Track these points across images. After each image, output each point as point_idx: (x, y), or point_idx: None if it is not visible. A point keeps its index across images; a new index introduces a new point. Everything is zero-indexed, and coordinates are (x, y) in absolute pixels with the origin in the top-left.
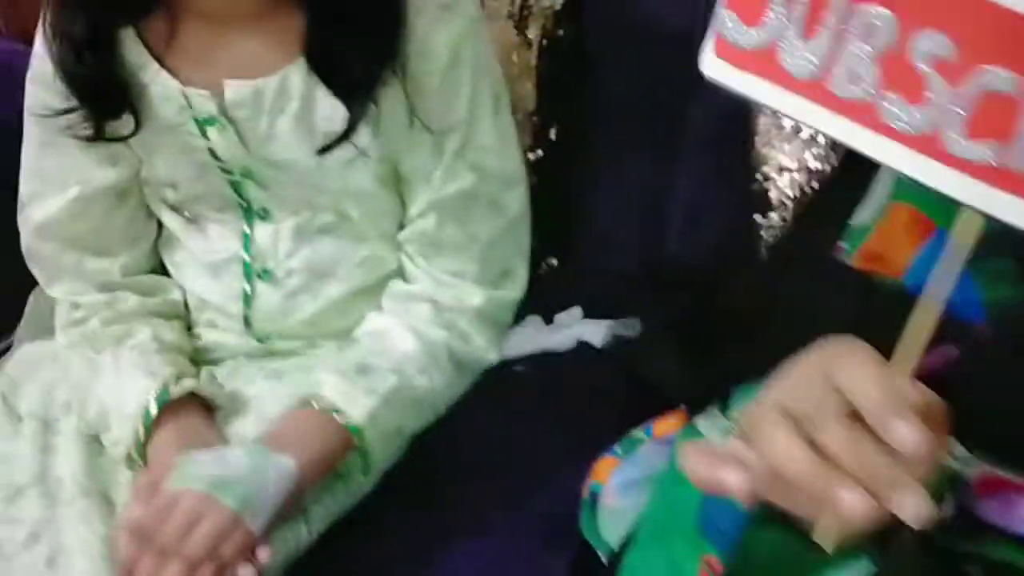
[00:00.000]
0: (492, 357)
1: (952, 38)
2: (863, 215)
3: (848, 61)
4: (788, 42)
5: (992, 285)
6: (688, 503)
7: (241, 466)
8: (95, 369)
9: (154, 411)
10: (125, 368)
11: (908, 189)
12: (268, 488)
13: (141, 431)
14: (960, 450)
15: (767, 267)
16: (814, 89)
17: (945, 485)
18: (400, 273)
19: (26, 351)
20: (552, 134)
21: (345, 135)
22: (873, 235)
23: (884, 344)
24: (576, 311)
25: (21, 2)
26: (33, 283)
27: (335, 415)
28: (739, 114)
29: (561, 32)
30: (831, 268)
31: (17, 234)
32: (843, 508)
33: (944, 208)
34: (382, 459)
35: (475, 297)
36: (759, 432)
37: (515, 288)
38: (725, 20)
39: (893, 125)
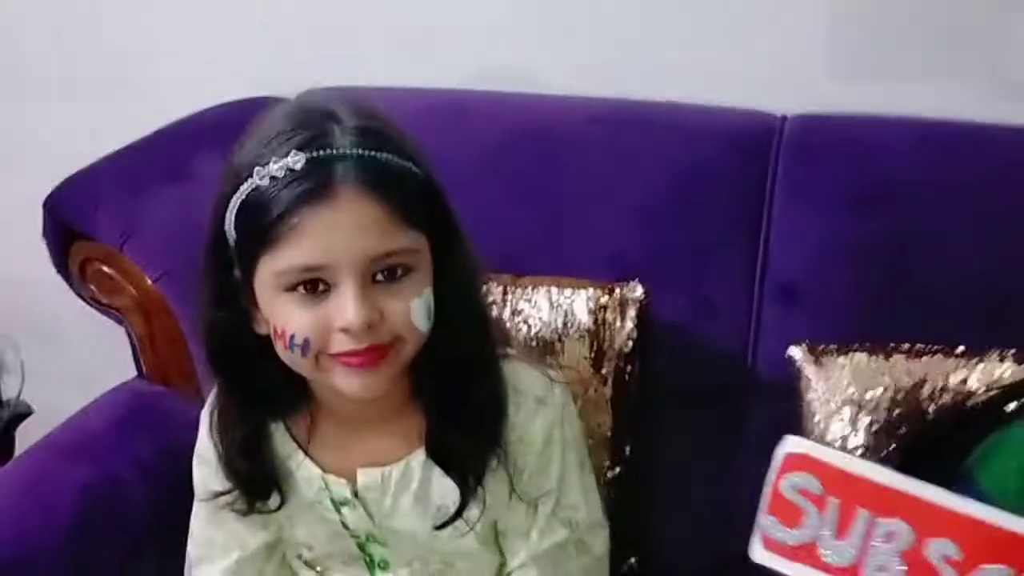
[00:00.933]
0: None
1: (958, 544)
2: None
3: (876, 557)
4: (825, 540)
5: None
6: None
7: None
8: None
9: None
10: None
11: None
12: None
13: None
14: None
15: None
16: (850, 573)
17: None
18: None
19: None
20: (627, 451)
21: (458, 513)
22: None
23: None
24: None
25: (160, 350)
26: None
27: None
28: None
29: (630, 368)
30: None
31: None
32: None
33: None
34: None
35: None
36: None
37: None
38: (768, 524)
39: None
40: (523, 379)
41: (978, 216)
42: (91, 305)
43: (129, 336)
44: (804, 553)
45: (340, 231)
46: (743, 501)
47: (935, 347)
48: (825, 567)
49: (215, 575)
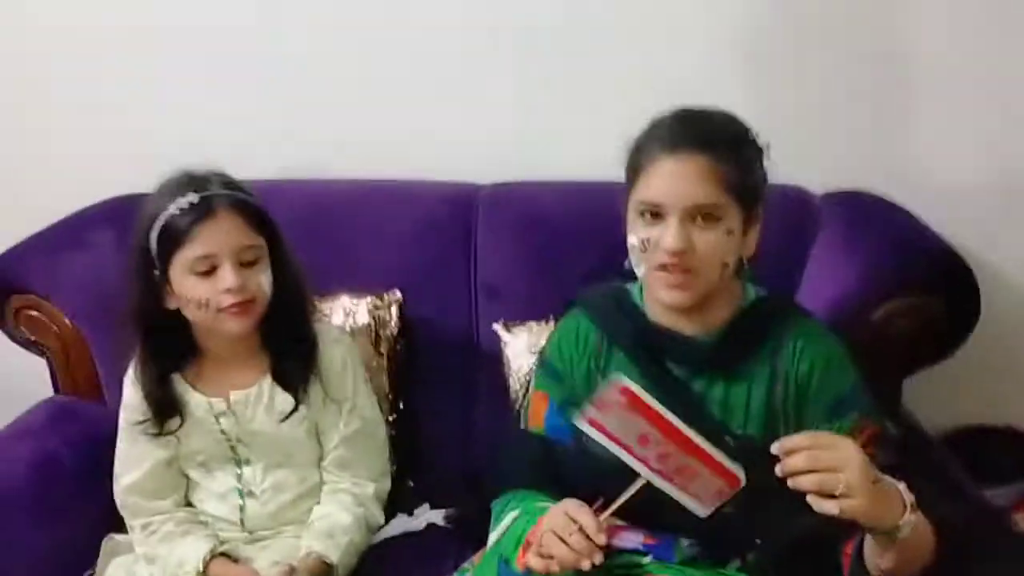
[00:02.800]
0: (380, 520)
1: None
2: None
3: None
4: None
5: None
6: None
7: None
8: (167, 552)
9: (208, 555)
10: (188, 542)
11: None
12: None
13: (201, 565)
14: None
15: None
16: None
17: None
18: (324, 482)
19: (114, 565)
20: (400, 404)
21: (292, 412)
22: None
23: None
24: (426, 506)
25: (74, 372)
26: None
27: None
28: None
29: (399, 347)
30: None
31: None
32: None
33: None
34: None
35: (370, 488)
36: (546, 539)
37: (386, 481)
38: (592, 411)
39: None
40: (324, 330)
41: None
42: (19, 344)
43: (49, 363)
44: (606, 431)
45: (222, 234)
46: (480, 433)
47: None
48: (614, 439)
49: (134, 479)
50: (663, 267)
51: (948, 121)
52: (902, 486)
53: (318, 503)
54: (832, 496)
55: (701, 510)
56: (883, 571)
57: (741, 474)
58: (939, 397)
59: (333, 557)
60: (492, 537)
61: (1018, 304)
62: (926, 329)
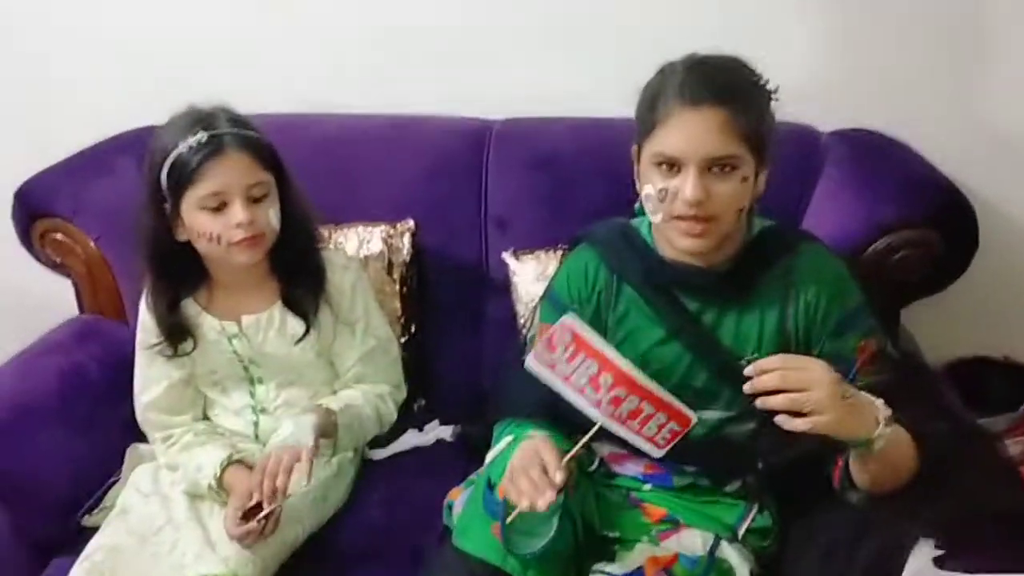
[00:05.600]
0: (393, 417)
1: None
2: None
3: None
4: (566, 371)
5: None
6: (479, 500)
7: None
8: (187, 459)
9: (224, 462)
10: (207, 450)
11: (546, 315)
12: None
13: (219, 470)
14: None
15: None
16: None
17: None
18: None
19: (138, 471)
20: (412, 328)
21: (304, 335)
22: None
23: None
24: (435, 423)
25: (99, 293)
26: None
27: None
28: None
29: (410, 273)
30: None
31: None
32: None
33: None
34: (342, 445)
35: (386, 388)
36: (516, 475)
37: (402, 392)
38: (540, 349)
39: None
40: (332, 257)
41: (609, 177)
42: (47, 265)
43: (74, 284)
44: (556, 372)
45: (232, 172)
46: (489, 355)
47: None
48: (565, 379)
49: (153, 396)
50: (681, 217)
51: (948, 62)
52: (879, 402)
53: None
54: (802, 414)
55: (656, 451)
56: (866, 482)
57: (691, 414)
58: (939, 328)
59: (334, 406)
60: (488, 457)
61: (1012, 240)
62: (924, 261)
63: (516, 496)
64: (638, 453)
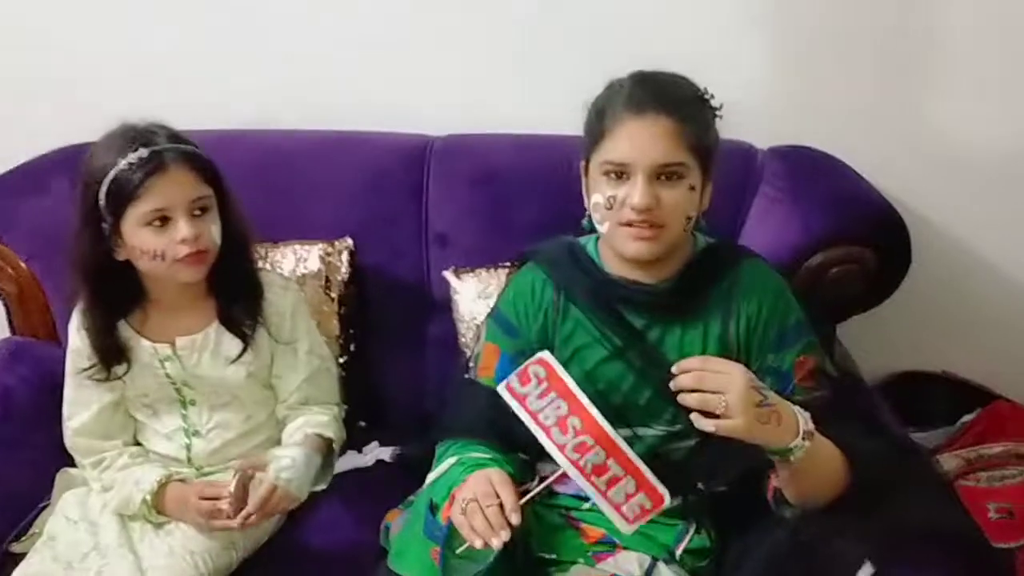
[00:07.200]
0: (344, 437)
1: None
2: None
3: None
4: (537, 406)
5: None
6: (418, 523)
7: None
8: (124, 477)
9: (163, 478)
10: (144, 468)
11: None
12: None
13: (155, 486)
14: None
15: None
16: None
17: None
18: (277, 422)
19: (66, 497)
20: (351, 347)
21: (240, 356)
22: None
23: None
24: (375, 444)
25: (29, 313)
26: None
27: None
28: None
29: (349, 292)
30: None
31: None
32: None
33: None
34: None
35: (335, 409)
36: (471, 512)
37: (343, 408)
38: (514, 380)
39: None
40: (270, 279)
41: (552, 194)
42: None
43: (4, 305)
44: (526, 406)
45: (175, 187)
46: (431, 375)
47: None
48: (532, 414)
49: (83, 421)
50: (629, 224)
51: (884, 81)
52: (806, 415)
53: (269, 440)
54: (715, 416)
55: (624, 526)
56: (793, 495)
57: (665, 493)
58: (876, 343)
59: (330, 433)
60: (429, 477)
61: (950, 256)
62: (858, 277)
63: (469, 534)
64: None
